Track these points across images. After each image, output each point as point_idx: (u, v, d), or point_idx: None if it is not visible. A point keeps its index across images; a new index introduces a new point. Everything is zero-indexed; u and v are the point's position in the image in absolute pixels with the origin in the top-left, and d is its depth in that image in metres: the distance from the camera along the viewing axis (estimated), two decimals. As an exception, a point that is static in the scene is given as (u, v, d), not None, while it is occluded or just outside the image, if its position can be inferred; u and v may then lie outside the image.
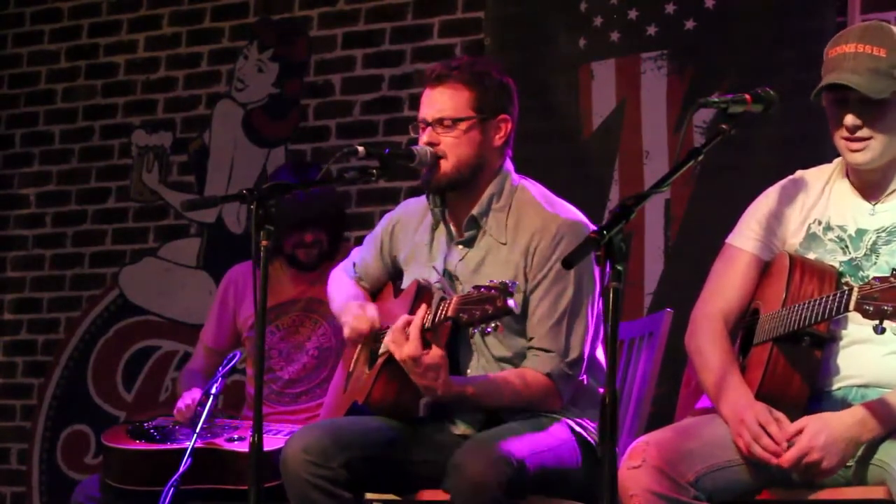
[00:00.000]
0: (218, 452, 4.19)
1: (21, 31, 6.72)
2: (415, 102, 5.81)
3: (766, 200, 3.40)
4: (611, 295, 2.75)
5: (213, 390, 4.22)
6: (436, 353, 3.46)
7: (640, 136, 5.25)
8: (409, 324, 3.47)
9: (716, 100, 3.20)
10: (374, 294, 3.99)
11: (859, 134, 3.20)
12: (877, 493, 3.06)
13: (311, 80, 6.06)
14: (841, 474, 3.11)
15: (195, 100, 6.31)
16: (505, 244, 3.67)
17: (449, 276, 3.72)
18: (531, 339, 3.62)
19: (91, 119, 6.50)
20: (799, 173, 3.42)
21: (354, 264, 4.01)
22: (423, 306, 3.50)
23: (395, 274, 3.94)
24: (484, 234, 3.71)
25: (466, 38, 5.74)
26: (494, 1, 5.61)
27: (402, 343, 3.47)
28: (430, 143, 3.66)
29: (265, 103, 6.16)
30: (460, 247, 3.73)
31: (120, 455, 4.29)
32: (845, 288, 3.00)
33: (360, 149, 3.64)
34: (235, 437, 4.25)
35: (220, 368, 4.28)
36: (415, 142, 3.75)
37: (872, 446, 3.07)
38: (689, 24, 5.18)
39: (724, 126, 3.13)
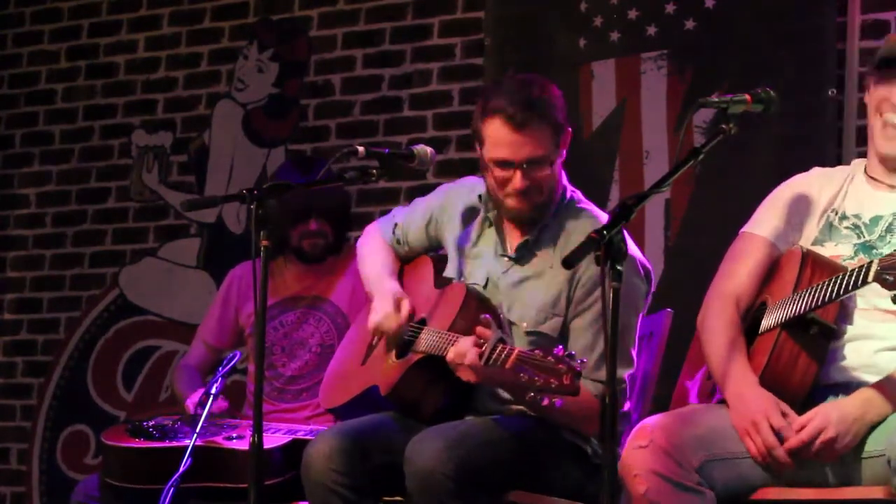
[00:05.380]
0: (217, 451, 4.19)
1: (21, 31, 6.72)
2: (415, 102, 5.86)
3: (786, 191, 3.40)
4: (610, 295, 2.76)
5: (213, 390, 4.22)
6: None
7: (640, 136, 5.25)
8: (464, 354, 3.39)
9: (716, 100, 3.20)
10: (408, 260, 3.99)
11: None
12: (877, 492, 3.05)
13: (311, 80, 6.06)
14: (840, 473, 3.11)
15: (195, 100, 6.31)
16: (552, 267, 3.64)
17: (490, 283, 3.69)
18: None
19: (91, 119, 6.50)
20: (818, 169, 3.43)
21: (396, 225, 3.98)
22: (471, 341, 3.39)
23: (435, 248, 3.94)
24: (534, 256, 3.69)
25: (466, 38, 5.74)
26: (494, 1, 5.61)
27: (462, 369, 3.42)
28: (523, 185, 3.59)
29: (265, 103, 6.16)
30: (506, 259, 3.72)
31: (119, 453, 4.28)
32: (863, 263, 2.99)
33: (360, 149, 3.65)
34: (234, 435, 4.25)
35: (220, 368, 4.27)
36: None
37: (860, 445, 3.07)
38: (689, 24, 5.18)
39: (724, 126, 3.13)
